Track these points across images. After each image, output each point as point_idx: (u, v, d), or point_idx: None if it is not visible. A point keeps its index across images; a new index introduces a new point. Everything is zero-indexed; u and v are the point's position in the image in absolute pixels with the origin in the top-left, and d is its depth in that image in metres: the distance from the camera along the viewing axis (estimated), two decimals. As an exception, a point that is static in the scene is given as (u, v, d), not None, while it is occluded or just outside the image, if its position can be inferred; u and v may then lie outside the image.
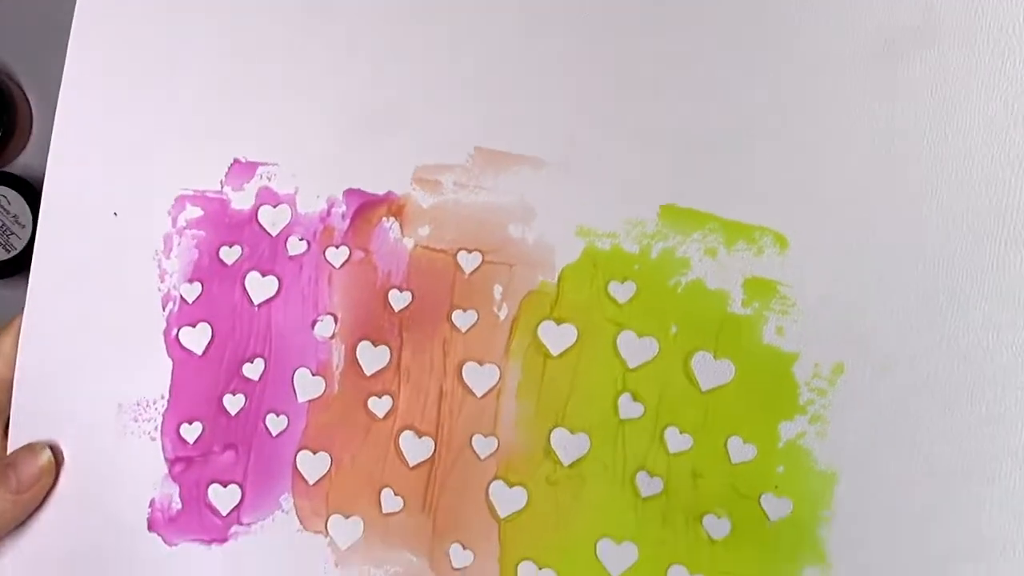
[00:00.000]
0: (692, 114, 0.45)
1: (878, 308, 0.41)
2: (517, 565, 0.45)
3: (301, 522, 0.49)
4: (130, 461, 0.51)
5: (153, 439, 0.52)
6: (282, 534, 0.49)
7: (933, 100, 0.42)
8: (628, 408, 0.44)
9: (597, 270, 0.46)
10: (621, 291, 0.45)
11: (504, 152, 0.48)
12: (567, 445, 0.45)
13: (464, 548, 0.46)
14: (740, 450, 0.42)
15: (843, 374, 0.41)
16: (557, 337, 0.46)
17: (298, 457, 0.50)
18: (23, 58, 0.74)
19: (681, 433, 0.43)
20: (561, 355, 0.46)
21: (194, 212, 0.53)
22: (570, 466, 0.45)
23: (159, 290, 0.53)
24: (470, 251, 0.48)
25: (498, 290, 0.48)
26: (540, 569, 0.45)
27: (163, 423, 0.52)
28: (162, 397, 0.52)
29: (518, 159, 0.48)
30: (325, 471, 0.49)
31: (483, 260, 0.48)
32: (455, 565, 0.46)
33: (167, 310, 0.53)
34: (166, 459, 0.51)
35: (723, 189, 0.44)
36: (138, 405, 0.52)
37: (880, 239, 0.41)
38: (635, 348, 0.45)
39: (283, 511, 0.50)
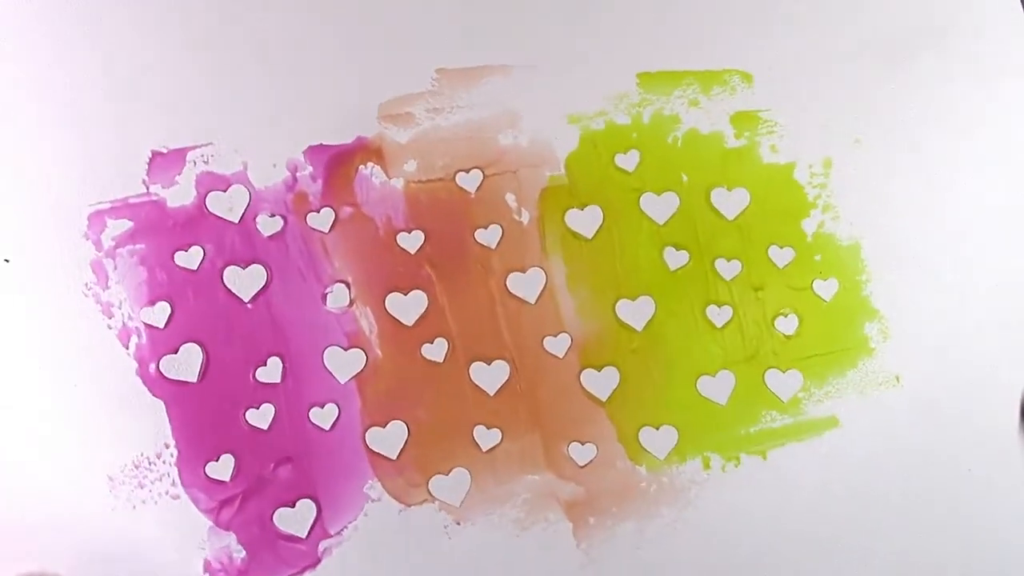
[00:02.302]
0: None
1: (842, 104, 0.54)
2: (637, 435, 0.50)
3: (400, 501, 0.48)
4: (157, 535, 0.46)
5: (176, 497, 0.46)
6: (383, 523, 0.48)
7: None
8: (675, 258, 0.52)
9: (599, 149, 0.52)
10: (627, 161, 0.53)
11: (468, 68, 0.52)
12: (634, 312, 0.51)
13: (582, 444, 0.50)
14: (781, 255, 0.53)
15: (832, 166, 0.54)
16: (586, 221, 0.52)
17: (367, 438, 0.48)
18: None
19: (729, 261, 0.52)
20: (596, 235, 0.52)
21: (121, 226, 0.48)
22: (644, 329, 0.51)
23: (110, 328, 0.47)
24: (468, 171, 0.52)
25: (511, 198, 0.52)
26: (659, 428, 0.51)
27: (180, 474, 0.47)
28: (167, 447, 0.47)
29: (484, 70, 0.52)
30: (404, 439, 0.49)
31: (484, 175, 0.52)
32: (580, 463, 0.50)
33: (131, 346, 0.47)
34: (204, 510, 0.46)
35: (687, 46, 0.54)
36: (137, 468, 0.46)
37: (832, 48, 0.54)
38: (658, 206, 0.52)
39: (373, 500, 0.48)
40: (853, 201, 0.54)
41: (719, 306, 0.52)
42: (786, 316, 0.53)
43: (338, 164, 0.51)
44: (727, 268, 0.53)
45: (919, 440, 0.52)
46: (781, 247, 0.53)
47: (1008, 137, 0.55)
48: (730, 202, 0.53)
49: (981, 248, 0.54)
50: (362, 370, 0.49)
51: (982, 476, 0.52)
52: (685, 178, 0.53)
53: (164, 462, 0.47)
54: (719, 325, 0.52)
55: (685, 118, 0.54)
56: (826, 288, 0.53)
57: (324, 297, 0.50)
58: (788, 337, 0.53)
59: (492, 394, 0.50)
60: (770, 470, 0.51)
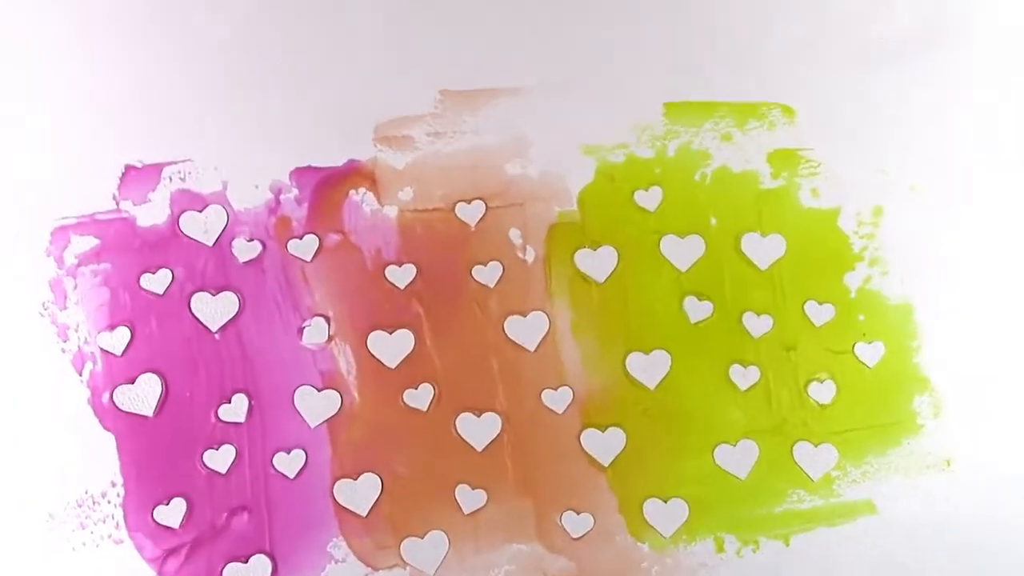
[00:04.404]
0: (678, 14, 0.54)
1: (896, 147, 0.53)
2: (642, 506, 0.49)
3: (366, 563, 0.47)
4: (95, 582, 0.45)
5: (118, 541, 0.46)
6: (345, 588, 0.47)
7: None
8: (697, 309, 0.51)
9: (617, 184, 0.52)
10: (648, 198, 0.52)
11: (475, 90, 0.52)
12: (647, 367, 0.50)
13: (578, 514, 0.48)
14: (819, 312, 0.51)
15: (883, 215, 0.52)
16: (598, 263, 0.51)
17: (336, 491, 0.48)
18: None
19: (759, 316, 0.51)
20: (608, 279, 0.51)
21: (86, 243, 0.49)
22: (658, 387, 0.50)
23: (64, 351, 0.48)
24: (469, 201, 0.51)
25: (515, 233, 0.51)
26: (667, 501, 0.49)
27: (126, 516, 0.46)
28: (113, 485, 0.47)
29: (494, 92, 0.52)
30: (377, 494, 0.48)
31: (487, 207, 0.51)
32: (574, 535, 0.48)
33: (84, 373, 0.47)
34: (148, 559, 0.46)
35: (721, 75, 0.53)
36: (80, 506, 0.46)
37: (884, 85, 0.54)
38: (681, 250, 0.51)
39: (336, 561, 0.47)
40: (906, 255, 0.52)
41: (744, 366, 0.51)
42: (821, 382, 0.51)
43: (326, 188, 0.51)
44: (756, 324, 0.51)
45: (969, 534, 0.50)
46: (820, 303, 0.51)
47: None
48: (763, 249, 0.52)
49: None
50: (336, 414, 0.49)
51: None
52: (713, 221, 0.52)
53: (109, 502, 0.46)
54: (743, 388, 0.50)
55: (716, 154, 0.53)
56: (870, 352, 0.51)
57: (300, 331, 0.49)
58: (823, 406, 0.51)
59: (480, 450, 0.49)
60: (793, 557, 0.49)
